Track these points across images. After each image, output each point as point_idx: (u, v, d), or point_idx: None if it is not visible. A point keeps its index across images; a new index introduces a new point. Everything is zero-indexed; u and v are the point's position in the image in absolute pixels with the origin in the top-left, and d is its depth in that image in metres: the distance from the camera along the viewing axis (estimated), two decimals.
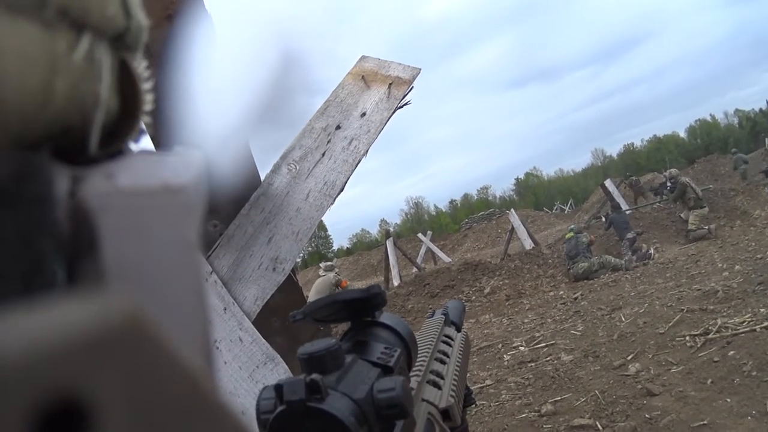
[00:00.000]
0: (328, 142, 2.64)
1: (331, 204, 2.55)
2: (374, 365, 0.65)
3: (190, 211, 0.33)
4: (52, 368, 0.18)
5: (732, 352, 5.16)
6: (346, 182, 2.57)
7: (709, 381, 4.76)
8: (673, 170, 15.92)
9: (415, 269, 20.21)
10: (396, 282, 17.31)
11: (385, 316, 0.76)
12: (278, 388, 0.54)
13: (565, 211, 44.56)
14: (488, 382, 6.49)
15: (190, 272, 0.33)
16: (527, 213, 39.57)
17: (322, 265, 15.87)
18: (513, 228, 18.35)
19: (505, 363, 7.10)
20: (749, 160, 26.07)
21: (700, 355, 5.39)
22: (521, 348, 7.64)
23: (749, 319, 5.85)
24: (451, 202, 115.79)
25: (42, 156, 0.28)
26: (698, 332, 5.94)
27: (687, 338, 5.88)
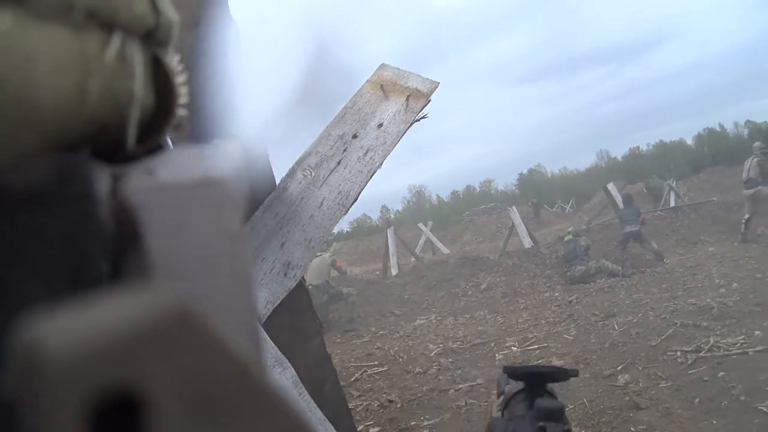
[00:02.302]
0: (344, 150, 2.62)
1: (345, 214, 2.55)
2: None
3: (232, 202, 0.33)
4: (106, 363, 0.19)
5: (722, 374, 5.22)
6: (359, 193, 2.57)
7: (697, 400, 4.82)
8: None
9: (413, 258, 20.28)
10: (394, 271, 17.37)
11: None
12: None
13: (566, 211, 44.43)
14: (479, 380, 6.54)
15: (235, 263, 0.33)
16: (527, 209, 39.49)
17: None
18: (513, 225, 18.37)
19: (497, 363, 7.15)
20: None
21: (689, 372, 5.46)
22: (513, 348, 7.71)
23: (742, 341, 5.92)
24: (453, 192, 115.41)
25: (82, 157, 0.29)
26: (690, 349, 6.01)
27: (678, 353, 5.96)
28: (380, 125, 2.67)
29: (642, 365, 5.93)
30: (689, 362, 5.69)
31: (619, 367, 6.00)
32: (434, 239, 25.02)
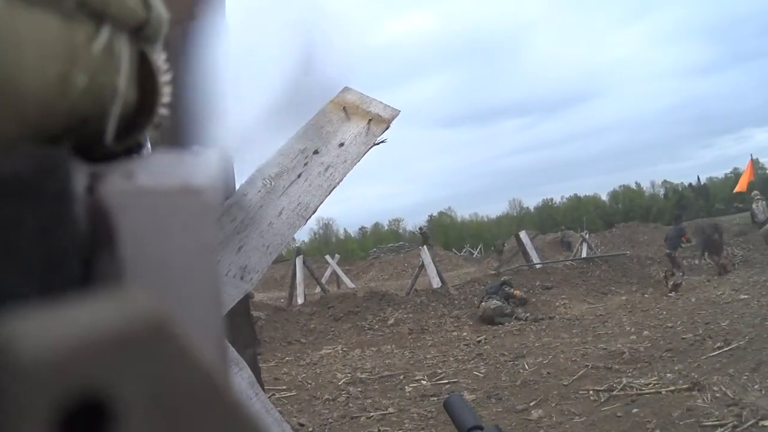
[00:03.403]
0: (305, 164, 2.69)
1: (303, 224, 2.61)
2: None
3: (207, 212, 0.34)
4: (78, 367, 0.20)
5: (636, 410, 5.45)
6: (318, 206, 2.64)
7: None
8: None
9: (318, 289, 20.33)
10: (300, 300, 17.49)
11: None
12: None
13: (474, 255, 45.21)
14: (391, 410, 6.64)
15: (206, 273, 0.34)
16: (435, 251, 39.94)
17: None
18: (423, 264, 18.64)
19: (407, 394, 7.27)
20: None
21: (603, 409, 5.69)
22: (423, 382, 7.82)
23: (655, 382, 6.19)
24: (361, 229, 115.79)
25: (62, 151, 0.28)
26: (602, 388, 6.25)
27: (591, 392, 6.20)
28: (341, 144, 2.75)
29: (555, 402, 6.14)
30: (602, 400, 5.94)
31: (532, 403, 6.20)
32: (341, 273, 25.27)
